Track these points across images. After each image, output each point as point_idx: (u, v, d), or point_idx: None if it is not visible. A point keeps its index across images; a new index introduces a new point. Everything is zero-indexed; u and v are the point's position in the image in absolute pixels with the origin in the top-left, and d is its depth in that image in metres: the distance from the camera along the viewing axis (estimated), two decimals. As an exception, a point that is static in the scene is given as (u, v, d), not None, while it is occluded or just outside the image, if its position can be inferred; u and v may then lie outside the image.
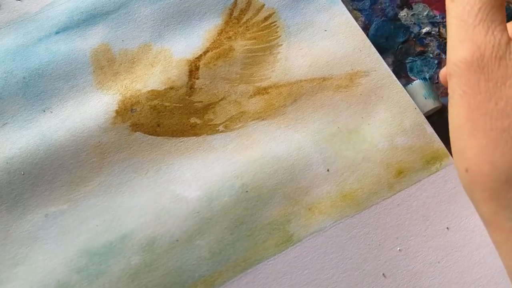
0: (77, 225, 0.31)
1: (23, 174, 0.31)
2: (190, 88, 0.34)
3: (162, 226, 0.31)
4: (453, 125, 0.25)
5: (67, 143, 0.32)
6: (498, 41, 0.24)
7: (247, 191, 0.32)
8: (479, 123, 0.23)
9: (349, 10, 0.38)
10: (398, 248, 0.32)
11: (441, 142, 0.33)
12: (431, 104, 0.34)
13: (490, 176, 0.24)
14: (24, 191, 0.31)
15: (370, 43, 0.36)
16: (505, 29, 0.25)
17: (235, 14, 0.37)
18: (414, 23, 0.38)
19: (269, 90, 0.35)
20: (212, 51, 0.35)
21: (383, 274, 0.32)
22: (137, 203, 0.31)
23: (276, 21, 0.37)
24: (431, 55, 0.38)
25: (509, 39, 0.24)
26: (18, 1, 0.34)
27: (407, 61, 0.37)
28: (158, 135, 0.33)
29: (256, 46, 0.36)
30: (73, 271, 0.30)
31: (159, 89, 0.34)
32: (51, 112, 0.33)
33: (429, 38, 0.38)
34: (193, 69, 0.35)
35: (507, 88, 0.23)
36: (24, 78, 0.33)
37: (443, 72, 0.33)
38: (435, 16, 0.39)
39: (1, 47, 0.33)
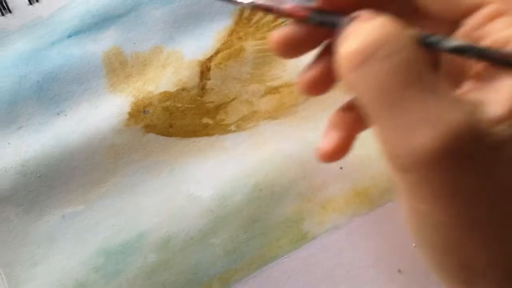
0: (94, 225, 0.31)
1: (39, 176, 0.31)
2: (202, 89, 0.35)
3: (177, 225, 0.31)
4: (429, 226, 0.19)
5: (82, 145, 0.32)
6: (469, 115, 0.17)
7: (260, 190, 0.32)
8: (476, 221, 0.18)
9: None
10: (414, 244, 0.31)
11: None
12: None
13: None
14: (41, 193, 0.31)
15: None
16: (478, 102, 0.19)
17: (245, 14, 0.37)
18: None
19: (280, 89, 0.35)
20: (223, 51, 0.36)
21: (399, 270, 0.32)
22: (152, 203, 0.32)
23: (286, 21, 0.37)
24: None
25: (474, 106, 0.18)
26: (30, 6, 0.35)
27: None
28: (170, 136, 0.33)
29: (267, 46, 0.36)
30: (91, 270, 0.30)
31: (171, 90, 0.34)
32: (66, 115, 0.33)
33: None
34: (205, 70, 0.35)
35: (499, 176, 0.17)
36: (38, 82, 0.33)
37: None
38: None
39: (15, 52, 0.34)
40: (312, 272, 0.32)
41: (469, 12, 0.19)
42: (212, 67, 0.35)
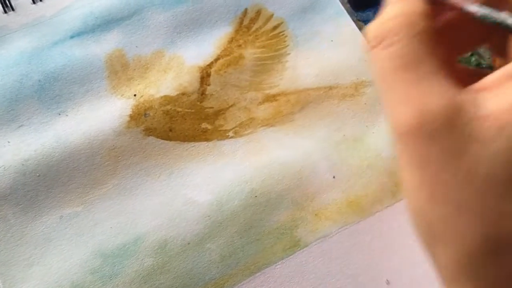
0: (92, 227, 0.31)
1: (39, 176, 0.31)
2: (202, 94, 0.35)
3: (174, 229, 0.32)
4: (407, 187, 0.22)
5: (82, 146, 0.32)
6: (448, 101, 0.19)
7: (256, 196, 0.33)
8: (436, 192, 0.20)
9: (353, 21, 0.39)
10: (401, 255, 0.32)
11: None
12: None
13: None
14: (39, 192, 0.31)
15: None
16: (456, 83, 0.21)
17: (245, 23, 0.37)
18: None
19: (278, 98, 0.36)
20: (223, 58, 0.36)
21: (387, 280, 0.32)
22: (150, 206, 0.32)
23: (284, 31, 0.38)
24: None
25: (463, 95, 0.20)
26: (34, 5, 0.35)
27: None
28: (170, 140, 0.34)
29: (265, 55, 0.37)
30: (88, 272, 0.30)
31: (171, 94, 0.34)
32: (67, 115, 0.33)
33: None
34: (205, 75, 0.35)
35: (465, 159, 0.19)
36: (39, 81, 0.33)
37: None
38: (439, 29, 0.39)
39: (17, 50, 0.34)
40: (304, 279, 0.32)
41: None
42: (212, 73, 0.36)
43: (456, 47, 0.27)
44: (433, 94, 0.20)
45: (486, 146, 0.19)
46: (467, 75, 0.26)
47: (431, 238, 0.21)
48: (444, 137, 0.19)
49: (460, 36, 0.27)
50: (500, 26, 0.20)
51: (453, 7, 0.22)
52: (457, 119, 0.19)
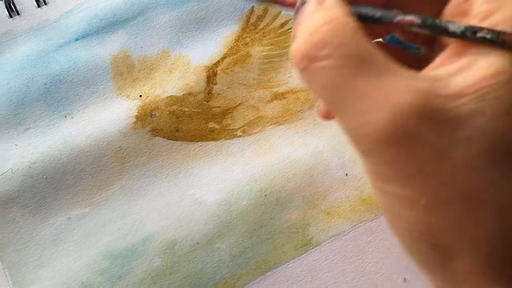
0: (100, 228, 0.31)
1: (46, 178, 0.31)
2: (208, 94, 0.35)
3: (183, 229, 0.31)
4: (394, 205, 0.20)
5: (89, 148, 0.32)
6: (415, 91, 0.17)
7: (265, 195, 0.32)
8: (437, 197, 0.18)
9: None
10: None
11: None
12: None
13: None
14: (47, 194, 0.31)
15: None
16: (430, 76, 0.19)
17: (252, 20, 0.37)
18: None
19: (286, 95, 0.35)
20: (229, 57, 0.36)
21: (404, 278, 0.32)
22: (158, 207, 0.32)
23: (292, 28, 0.37)
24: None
25: (426, 81, 0.18)
26: (38, 8, 0.35)
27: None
28: (177, 140, 0.33)
29: (273, 52, 0.36)
30: (97, 273, 0.30)
31: (177, 94, 0.34)
32: (72, 117, 0.33)
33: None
34: (211, 75, 0.35)
35: (459, 148, 0.17)
36: (45, 84, 0.33)
37: (322, 110, 0.25)
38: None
39: (22, 53, 0.34)
40: (317, 278, 0.32)
41: None
42: (218, 72, 0.35)
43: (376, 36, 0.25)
44: (397, 90, 0.18)
45: (472, 124, 0.17)
46: (403, 58, 0.24)
47: (440, 254, 0.19)
48: (428, 130, 0.17)
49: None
50: (442, 33, 0.19)
51: (387, 24, 0.20)
52: (432, 106, 0.17)
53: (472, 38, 0.18)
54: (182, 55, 0.35)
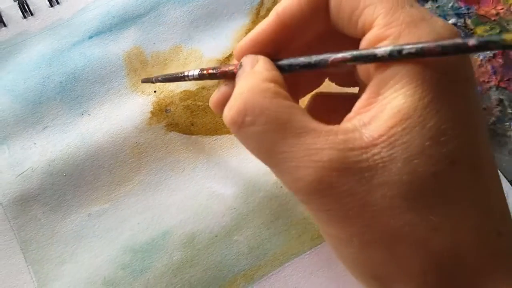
0: (120, 223, 0.31)
1: (65, 175, 0.32)
2: (221, 87, 0.35)
3: (201, 222, 0.32)
4: (333, 243, 0.22)
5: (106, 144, 0.32)
6: (332, 146, 0.19)
7: (281, 187, 0.33)
8: (365, 237, 0.20)
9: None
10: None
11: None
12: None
13: None
14: (67, 192, 0.32)
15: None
16: (328, 119, 0.21)
17: (262, 13, 0.37)
18: (440, 15, 0.39)
19: (298, 87, 0.35)
20: (241, 50, 0.36)
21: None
22: (176, 201, 0.32)
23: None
24: (458, 47, 0.38)
25: (342, 134, 0.20)
26: (51, 8, 0.35)
27: (434, 54, 0.37)
28: (192, 134, 0.34)
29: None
30: (118, 267, 0.30)
31: (191, 89, 0.34)
32: (89, 115, 0.33)
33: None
34: (224, 68, 0.35)
35: (375, 194, 0.19)
36: (61, 82, 0.33)
37: (214, 98, 0.27)
38: (460, 7, 0.39)
39: (37, 53, 0.34)
40: (334, 268, 0.32)
41: (363, 33, 0.21)
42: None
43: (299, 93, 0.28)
44: (316, 148, 0.20)
45: (386, 170, 0.19)
46: (331, 103, 0.28)
47: (382, 285, 0.21)
48: (347, 181, 0.19)
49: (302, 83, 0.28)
50: (373, 61, 0.20)
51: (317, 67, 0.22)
52: (349, 159, 0.19)
53: (399, 56, 0.19)
54: (194, 49, 0.36)
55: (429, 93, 0.19)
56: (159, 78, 0.31)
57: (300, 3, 0.23)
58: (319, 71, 0.25)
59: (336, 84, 0.29)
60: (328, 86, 0.30)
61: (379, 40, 0.20)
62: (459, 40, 0.18)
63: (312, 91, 0.30)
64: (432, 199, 0.19)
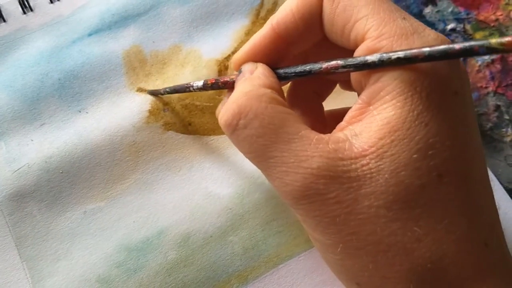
0: (115, 222, 0.31)
1: (62, 172, 0.32)
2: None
3: (196, 223, 0.32)
4: (320, 247, 0.23)
5: (103, 142, 0.32)
6: (322, 154, 0.20)
7: (277, 188, 0.33)
8: (348, 244, 0.21)
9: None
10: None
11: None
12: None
13: None
14: (63, 189, 0.32)
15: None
16: (322, 128, 0.22)
17: (262, 14, 0.37)
18: (439, 20, 0.39)
19: (297, 89, 0.35)
20: (240, 50, 0.36)
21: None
22: (172, 200, 0.32)
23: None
24: (456, 52, 0.38)
25: (332, 143, 0.21)
26: (51, 4, 0.35)
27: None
28: (189, 134, 0.34)
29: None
30: (113, 266, 0.30)
31: (189, 89, 0.34)
32: (87, 112, 0.33)
33: (454, 35, 0.38)
34: (222, 68, 0.35)
35: (360, 204, 0.20)
36: (59, 79, 0.33)
37: (219, 110, 0.28)
38: (460, 12, 0.39)
39: (36, 49, 0.34)
40: (327, 271, 0.32)
41: (356, 45, 0.22)
42: (229, 66, 0.36)
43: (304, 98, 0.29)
44: (306, 155, 0.20)
45: (374, 181, 0.19)
46: (327, 114, 0.29)
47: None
48: (335, 189, 0.20)
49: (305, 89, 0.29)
50: (364, 67, 0.21)
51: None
52: (337, 168, 0.20)
53: (389, 62, 0.20)
54: (193, 49, 0.36)
55: (419, 105, 0.19)
56: (167, 90, 0.32)
57: (294, 16, 0.24)
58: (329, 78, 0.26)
59: (343, 89, 0.31)
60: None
61: (371, 52, 0.21)
62: (446, 45, 0.18)
63: (327, 95, 0.31)
64: (417, 211, 0.19)
